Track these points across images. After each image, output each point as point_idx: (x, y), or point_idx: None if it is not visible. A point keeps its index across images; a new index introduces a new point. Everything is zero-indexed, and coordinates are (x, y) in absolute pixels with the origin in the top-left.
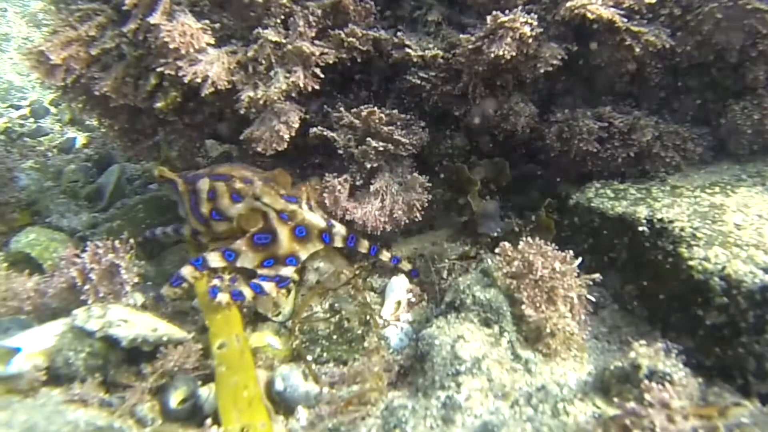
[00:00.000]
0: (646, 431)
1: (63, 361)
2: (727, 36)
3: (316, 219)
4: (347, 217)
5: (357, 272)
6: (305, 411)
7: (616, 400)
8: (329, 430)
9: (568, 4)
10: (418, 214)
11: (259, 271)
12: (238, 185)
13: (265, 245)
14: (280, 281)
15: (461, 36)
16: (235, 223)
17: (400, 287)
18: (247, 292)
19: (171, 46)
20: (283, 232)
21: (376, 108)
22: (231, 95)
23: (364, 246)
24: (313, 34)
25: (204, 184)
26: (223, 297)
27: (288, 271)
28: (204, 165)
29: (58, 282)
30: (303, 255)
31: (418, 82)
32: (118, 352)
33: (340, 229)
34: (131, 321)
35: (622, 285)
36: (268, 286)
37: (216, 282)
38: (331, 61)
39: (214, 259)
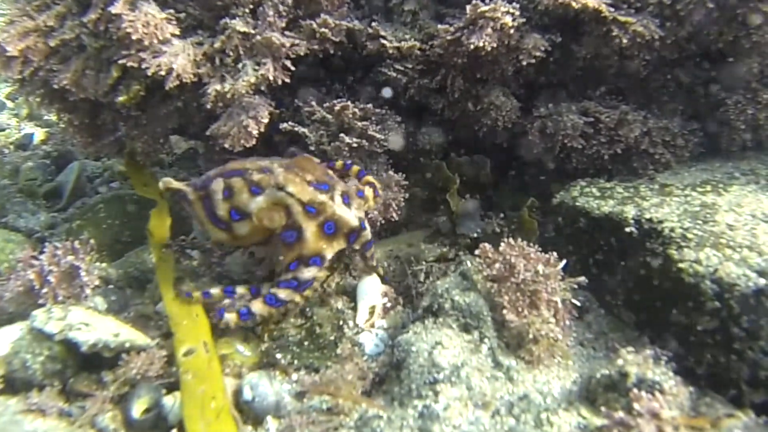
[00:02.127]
0: None
1: (20, 364)
2: (719, 26)
3: (348, 215)
4: None
5: (329, 274)
6: (275, 422)
7: (603, 409)
8: None
9: None
10: (394, 214)
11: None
12: (257, 176)
13: (291, 244)
14: (300, 286)
15: (439, 26)
16: (255, 219)
17: (373, 290)
18: (259, 308)
19: (134, 37)
20: (310, 229)
21: (349, 102)
22: (197, 89)
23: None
24: (284, 25)
25: (218, 185)
26: (230, 318)
27: (310, 273)
28: (168, 162)
29: (14, 285)
30: (329, 254)
31: (394, 74)
32: (78, 358)
33: (367, 233)
34: (93, 325)
35: (608, 288)
36: (286, 294)
37: (226, 300)
38: (302, 53)
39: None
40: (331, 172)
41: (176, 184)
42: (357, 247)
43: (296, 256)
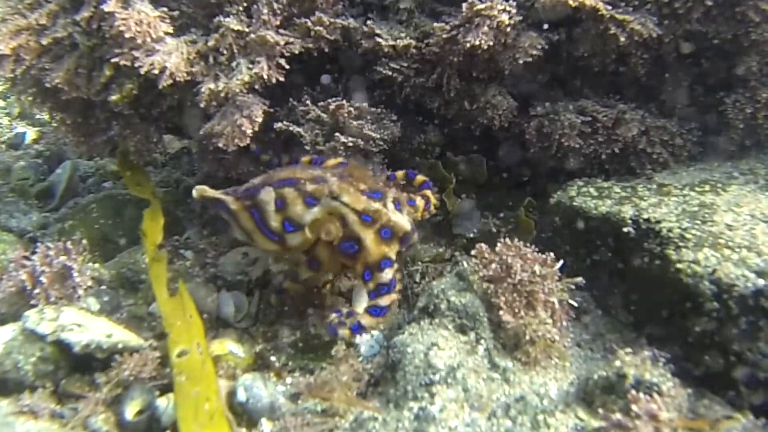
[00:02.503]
0: None
1: (12, 365)
2: (717, 24)
3: (402, 220)
4: None
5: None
6: (269, 423)
7: (600, 411)
8: None
9: None
10: None
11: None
12: (311, 186)
13: (353, 255)
14: (388, 288)
15: (435, 24)
16: (308, 232)
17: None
18: (368, 321)
19: (126, 35)
20: (369, 237)
21: (344, 101)
22: (190, 87)
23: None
24: (278, 23)
25: (268, 195)
26: (344, 332)
27: (388, 275)
28: (162, 161)
29: (6, 286)
30: (393, 255)
31: (390, 73)
32: (70, 359)
33: (417, 236)
34: (85, 325)
35: (606, 289)
36: (388, 300)
37: (334, 317)
38: (296, 52)
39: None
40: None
41: (212, 193)
42: (404, 249)
43: (364, 265)
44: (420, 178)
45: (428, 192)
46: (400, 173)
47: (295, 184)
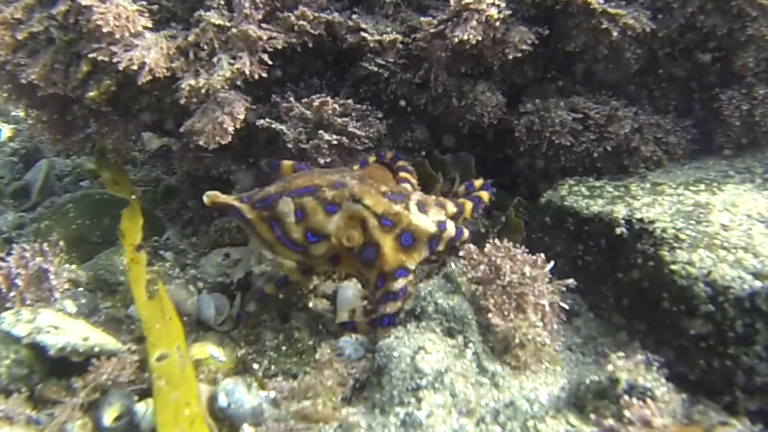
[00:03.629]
0: None
1: None
2: (712, 19)
3: (425, 222)
4: None
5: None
6: (251, 429)
7: (592, 417)
8: None
9: None
10: None
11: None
12: (330, 193)
13: (371, 262)
14: (396, 297)
15: (422, 19)
16: (334, 239)
17: (353, 293)
18: (381, 332)
19: (104, 29)
20: (387, 244)
21: (329, 98)
22: (170, 84)
23: (465, 238)
24: (261, 17)
25: (287, 206)
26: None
27: (400, 284)
28: (141, 160)
29: None
30: (411, 266)
31: (375, 69)
32: (46, 362)
33: (450, 229)
34: (62, 328)
35: (598, 291)
36: (390, 307)
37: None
38: (279, 47)
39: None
40: (408, 176)
41: (224, 199)
42: (442, 248)
43: (379, 273)
44: (479, 182)
45: (483, 193)
46: (389, 154)
47: (314, 192)
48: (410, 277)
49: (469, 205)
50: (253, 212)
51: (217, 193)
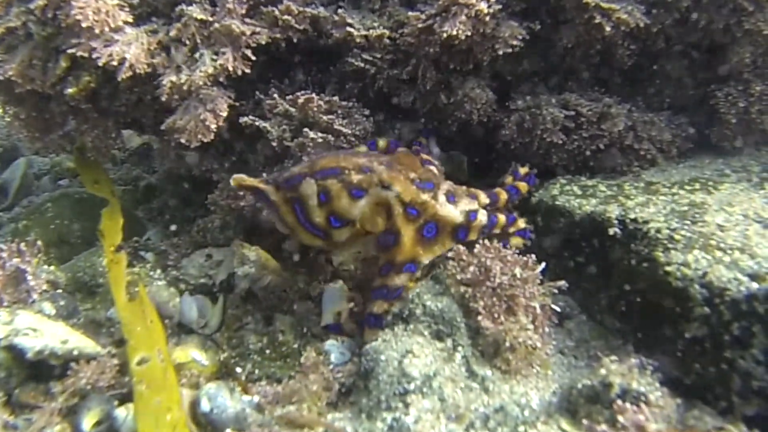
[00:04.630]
0: None
1: None
2: (708, 13)
3: (453, 213)
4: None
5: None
6: None
7: (584, 422)
8: None
9: None
10: None
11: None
12: (356, 177)
13: (388, 248)
14: (389, 294)
15: (410, 13)
16: (359, 225)
17: (339, 295)
18: (368, 335)
19: (84, 24)
20: (407, 234)
21: (314, 95)
22: (151, 80)
23: (500, 224)
24: (244, 12)
25: (309, 188)
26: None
27: (400, 281)
28: (121, 158)
29: None
30: (425, 260)
31: (362, 65)
32: (24, 365)
33: (482, 218)
34: (41, 330)
35: (590, 293)
36: (377, 306)
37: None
38: (263, 42)
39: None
40: (434, 170)
41: (250, 182)
42: (475, 236)
43: (389, 260)
44: (524, 170)
45: (522, 183)
46: (381, 143)
47: (339, 175)
48: (417, 274)
49: (503, 195)
50: (278, 194)
51: (243, 176)
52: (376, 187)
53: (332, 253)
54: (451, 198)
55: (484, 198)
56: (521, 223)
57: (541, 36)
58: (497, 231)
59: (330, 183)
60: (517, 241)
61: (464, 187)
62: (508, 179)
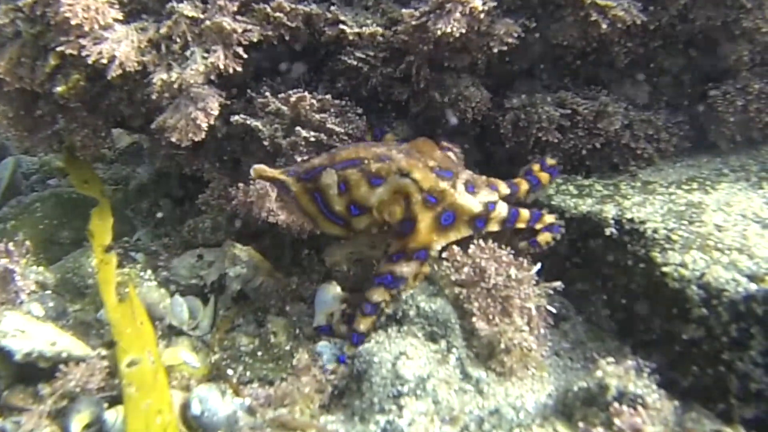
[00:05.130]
0: None
1: None
2: (706, 11)
3: (471, 202)
4: (270, 219)
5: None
6: None
7: (580, 425)
8: None
9: None
10: None
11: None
12: (375, 166)
13: (404, 235)
14: (392, 282)
15: (404, 11)
16: (376, 213)
17: (332, 296)
18: (364, 325)
19: (73, 22)
20: (424, 221)
21: (306, 93)
22: (141, 78)
23: (523, 219)
24: (235, 9)
25: (330, 178)
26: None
27: (408, 269)
28: (111, 157)
29: None
30: (438, 246)
31: (355, 63)
32: (12, 367)
33: (501, 209)
34: (29, 332)
35: (586, 294)
36: (378, 294)
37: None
38: (255, 40)
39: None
40: (452, 156)
41: (271, 173)
42: (495, 228)
43: (402, 247)
44: (552, 161)
45: (544, 174)
46: (389, 136)
47: (359, 165)
48: (419, 268)
49: (524, 186)
50: (298, 185)
51: (264, 166)
52: (394, 175)
53: (325, 253)
54: (471, 188)
55: (504, 188)
56: (548, 218)
57: (536, 33)
58: (522, 226)
59: (349, 173)
60: (545, 237)
61: (484, 177)
62: (535, 167)
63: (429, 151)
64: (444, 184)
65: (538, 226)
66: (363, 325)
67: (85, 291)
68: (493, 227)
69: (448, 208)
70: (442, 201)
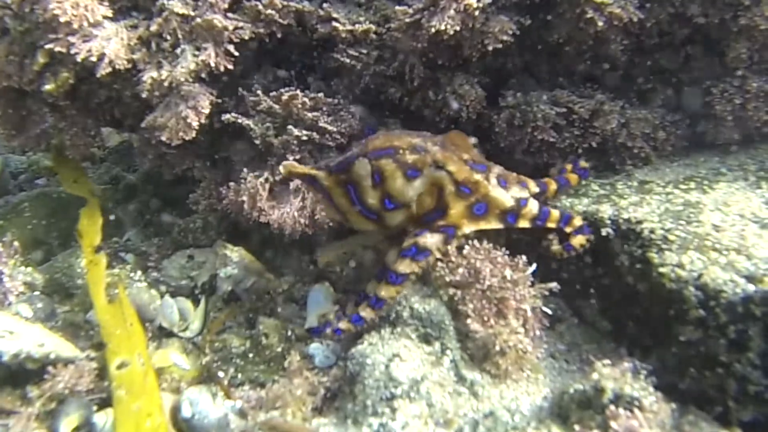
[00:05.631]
0: None
1: None
2: (704, 8)
3: (504, 196)
4: (261, 219)
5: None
6: None
7: (576, 428)
8: None
9: None
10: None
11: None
12: (411, 157)
13: (431, 222)
14: (418, 254)
15: (397, 8)
16: (415, 208)
17: (324, 297)
18: (385, 293)
19: (62, 19)
20: (457, 208)
21: (298, 91)
22: (131, 76)
23: (554, 219)
24: (226, 6)
25: (362, 168)
26: (366, 315)
27: (433, 240)
28: (100, 156)
29: None
30: (467, 229)
31: (348, 61)
32: (1, 369)
33: (532, 207)
34: (17, 333)
35: (582, 296)
36: (404, 265)
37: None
38: (246, 37)
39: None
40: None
41: (301, 169)
42: (526, 225)
43: (432, 227)
44: (585, 164)
45: (573, 176)
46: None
47: (393, 154)
48: (445, 244)
49: (553, 186)
50: (330, 178)
51: (293, 163)
52: (429, 167)
53: (318, 253)
54: (503, 182)
55: (533, 186)
56: (577, 221)
57: (531, 31)
58: (552, 226)
59: (384, 163)
60: (579, 240)
61: (515, 174)
62: (568, 167)
63: (463, 144)
64: (478, 176)
65: (568, 229)
66: (385, 292)
67: (75, 292)
68: (524, 224)
69: (482, 200)
70: (476, 192)
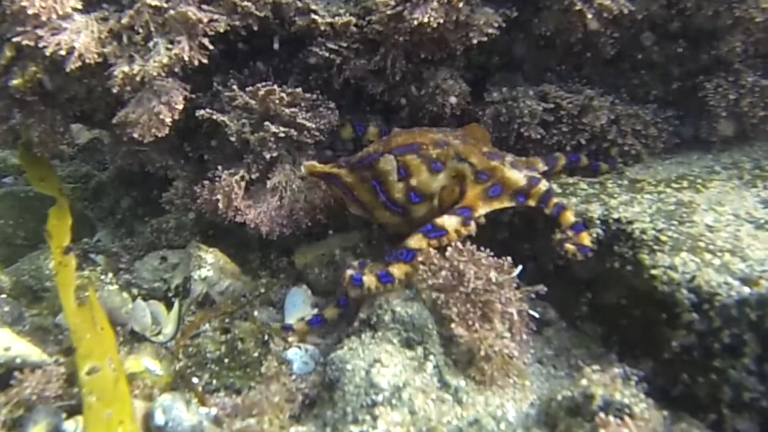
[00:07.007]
0: None
1: None
2: (697, 0)
3: (517, 175)
4: (237, 218)
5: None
6: None
7: None
8: None
9: None
10: (321, 216)
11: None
12: (435, 151)
13: (449, 207)
14: (432, 231)
15: (378, 0)
16: (437, 200)
17: (302, 300)
18: (397, 271)
19: (29, 11)
20: (474, 191)
21: (275, 86)
22: (102, 71)
23: (552, 204)
24: None
25: (388, 164)
26: (369, 281)
27: (450, 223)
28: (70, 154)
29: None
30: (482, 210)
31: (327, 54)
32: None
33: (543, 185)
34: None
35: (571, 298)
36: (415, 242)
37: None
38: (222, 30)
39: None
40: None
41: (322, 168)
42: (533, 204)
43: (448, 209)
44: (585, 160)
45: (585, 157)
46: (372, 129)
47: (418, 150)
48: (461, 226)
49: (562, 160)
50: (352, 175)
51: (314, 162)
52: (452, 159)
53: (296, 254)
54: (516, 167)
55: (542, 166)
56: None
57: (518, 23)
58: (548, 212)
59: (409, 158)
60: (584, 237)
61: (524, 158)
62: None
63: (482, 138)
64: (495, 163)
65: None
66: (397, 270)
67: (43, 294)
68: (533, 203)
69: (498, 182)
70: (493, 177)
